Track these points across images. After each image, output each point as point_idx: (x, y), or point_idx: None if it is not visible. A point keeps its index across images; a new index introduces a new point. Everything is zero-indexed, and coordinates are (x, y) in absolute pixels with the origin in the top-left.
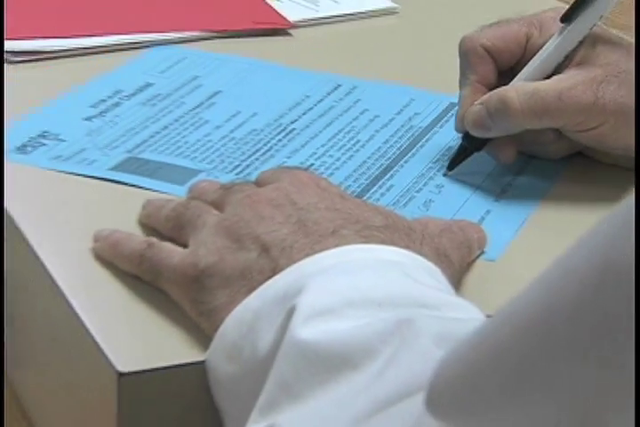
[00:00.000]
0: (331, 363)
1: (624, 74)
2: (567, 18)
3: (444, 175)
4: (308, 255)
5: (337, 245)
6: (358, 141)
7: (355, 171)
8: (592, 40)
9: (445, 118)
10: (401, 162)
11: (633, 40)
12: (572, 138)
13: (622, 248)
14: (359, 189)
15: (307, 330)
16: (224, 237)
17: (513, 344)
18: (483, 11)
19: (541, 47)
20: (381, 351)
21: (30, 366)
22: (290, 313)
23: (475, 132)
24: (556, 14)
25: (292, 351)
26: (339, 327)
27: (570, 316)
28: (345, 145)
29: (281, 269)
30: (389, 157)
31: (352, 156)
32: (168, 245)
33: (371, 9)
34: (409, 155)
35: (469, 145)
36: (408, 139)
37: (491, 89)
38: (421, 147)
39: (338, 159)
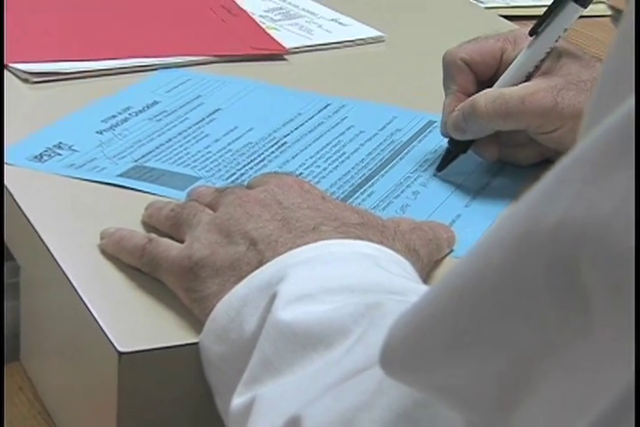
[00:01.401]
0: (307, 341)
1: (583, 83)
2: (535, 31)
3: (435, 175)
4: (290, 249)
5: (317, 240)
6: (344, 154)
7: (339, 179)
8: (557, 53)
9: (424, 134)
10: (382, 172)
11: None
12: (536, 140)
13: (536, 219)
14: (343, 195)
15: (286, 312)
16: (216, 233)
17: (450, 308)
18: (463, 39)
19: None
20: (353, 331)
21: (42, 351)
22: (272, 298)
23: (454, 135)
24: (528, 31)
25: (273, 331)
26: (315, 310)
27: (496, 280)
28: (331, 157)
29: (267, 261)
30: (371, 168)
31: (337, 166)
32: (166, 241)
33: (360, 37)
34: (389, 166)
35: (454, 148)
36: (389, 152)
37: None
38: (401, 159)
39: (324, 169)
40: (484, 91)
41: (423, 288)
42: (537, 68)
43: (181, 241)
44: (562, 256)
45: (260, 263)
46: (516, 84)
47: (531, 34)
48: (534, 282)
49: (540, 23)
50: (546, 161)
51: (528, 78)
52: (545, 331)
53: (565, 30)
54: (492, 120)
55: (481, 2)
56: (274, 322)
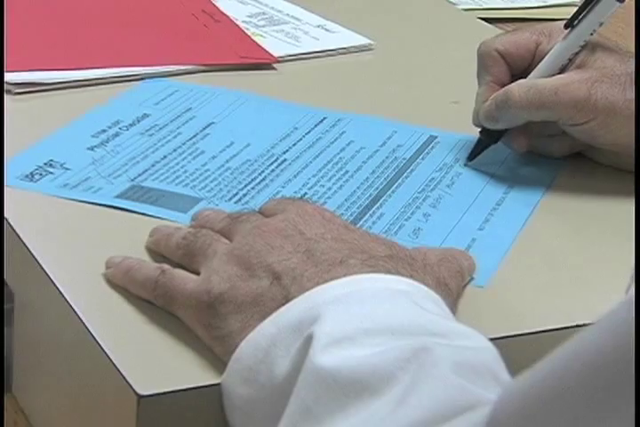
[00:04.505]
0: (350, 389)
1: (617, 77)
2: (570, 24)
3: (465, 165)
4: (318, 284)
5: (345, 275)
6: (347, 172)
7: (346, 200)
8: (592, 46)
9: (426, 151)
10: (388, 192)
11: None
12: (568, 132)
13: None
14: (352, 218)
15: (325, 357)
16: (236, 266)
17: (582, 381)
18: (451, 47)
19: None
20: (399, 378)
21: (39, 384)
22: (308, 341)
23: (486, 124)
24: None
25: (311, 378)
26: (356, 354)
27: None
28: (335, 175)
29: (293, 297)
30: (377, 188)
31: (342, 186)
32: (181, 272)
33: (348, 45)
34: (395, 185)
35: (486, 138)
36: (393, 170)
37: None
38: (406, 177)
39: (329, 189)
40: (518, 81)
41: (465, 330)
42: (571, 60)
43: (194, 272)
44: None
45: (286, 299)
46: (550, 76)
47: (566, 27)
48: None
49: (575, 16)
50: (576, 154)
51: (562, 71)
52: None
53: (601, 24)
54: (524, 109)
55: (454, 4)
56: (312, 367)
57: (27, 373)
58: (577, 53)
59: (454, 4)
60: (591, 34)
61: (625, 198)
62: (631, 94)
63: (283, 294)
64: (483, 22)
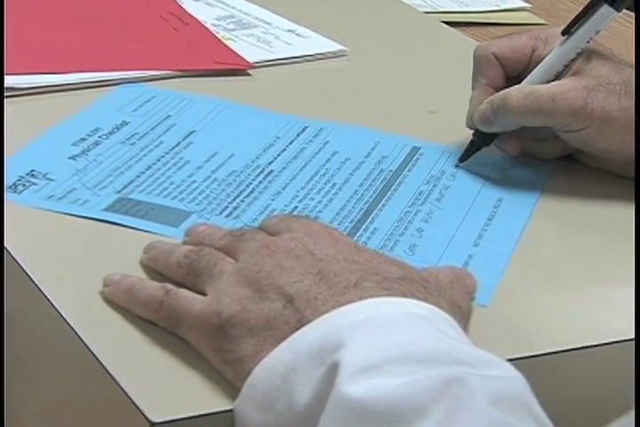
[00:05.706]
0: (380, 420)
1: (612, 86)
2: (567, 31)
3: (456, 166)
4: (333, 307)
5: (361, 298)
6: (335, 184)
7: (337, 214)
8: (588, 54)
9: (412, 162)
10: (379, 205)
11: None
12: (563, 138)
13: None
14: (345, 233)
15: (353, 387)
16: (245, 287)
17: None
18: (423, 52)
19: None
20: (432, 409)
21: (43, 422)
22: (332, 369)
23: (481, 127)
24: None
25: (340, 408)
26: (385, 384)
27: None
28: (323, 188)
29: (308, 321)
30: (367, 201)
31: (332, 199)
32: (186, 293)
33: (322, 51)
34: (385, 198)
35: (479, 140)
36: (381, 182)
37: (498, 91)
38: (395, 190)
39: (319, 202)
40: (516, 86)
41: (490, 357)
42: (567, 67)
43: (199, 292)
44: None
45: (300, 323)
46: (545, 82)
47: (563, 33)
48: None
49: (573, 23)
50: (566, 157)
51: (557, 77)
52: None
53: (597, 32)
54: (521, 115)
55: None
56: (340, 397)
57: (20, 402)
58: (573, 60)
59: (410, 6)
60: (588, 41)
61: (618, 200)
62: (626, 103)
63: (297, 317)
64: (449, 27)
